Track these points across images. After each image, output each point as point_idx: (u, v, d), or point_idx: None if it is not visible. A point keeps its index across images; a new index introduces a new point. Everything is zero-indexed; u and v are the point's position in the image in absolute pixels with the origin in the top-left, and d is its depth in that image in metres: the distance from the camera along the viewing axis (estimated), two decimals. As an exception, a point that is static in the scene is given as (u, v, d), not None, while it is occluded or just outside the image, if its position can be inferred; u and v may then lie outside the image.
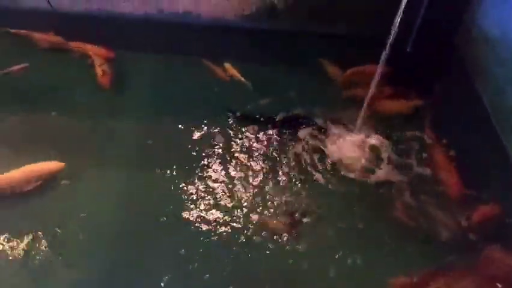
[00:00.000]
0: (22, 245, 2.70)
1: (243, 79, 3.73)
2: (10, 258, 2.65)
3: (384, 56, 2.94)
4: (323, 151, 3.25)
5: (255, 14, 4.27)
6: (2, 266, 2.63)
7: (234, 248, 2.75)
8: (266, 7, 4.23)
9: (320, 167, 3.16)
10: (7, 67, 3.68)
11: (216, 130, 3.40)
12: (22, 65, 3.71)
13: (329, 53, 3.93)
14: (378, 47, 3.14)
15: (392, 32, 2.86)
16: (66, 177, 3.03)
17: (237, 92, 3.71)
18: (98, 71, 3.67)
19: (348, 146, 3.24)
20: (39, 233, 2.76)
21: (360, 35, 3.99)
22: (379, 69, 3.02)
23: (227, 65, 3.86)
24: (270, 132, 3.40)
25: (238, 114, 3.49)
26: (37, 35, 3.91)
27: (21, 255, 2.67)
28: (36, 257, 2.66)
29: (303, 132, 3.37)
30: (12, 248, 2.69)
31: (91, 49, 3.85)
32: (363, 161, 3.20)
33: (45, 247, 2.71)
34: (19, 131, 3.36)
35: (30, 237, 2.74)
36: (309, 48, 4.07)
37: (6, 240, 2.73)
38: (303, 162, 3.19)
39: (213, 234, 2.81)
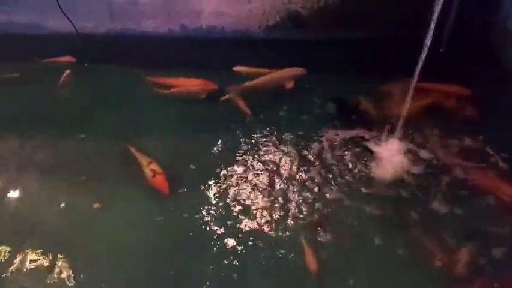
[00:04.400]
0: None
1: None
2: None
3: (422, 56, 2.80)
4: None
5: (279, 24, 4.19)
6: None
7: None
8: (291, 16, 4.15)
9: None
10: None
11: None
12: (66, 73, 3.80)
13: (360, 59, 3.81)
14: (407, 49, 3.01)
15: (429, 32, 2.71)
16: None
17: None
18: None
19: (391, 149, 3.14)
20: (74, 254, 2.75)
21: (386, 38, 3.89)
22: (417, 70, 2.87)
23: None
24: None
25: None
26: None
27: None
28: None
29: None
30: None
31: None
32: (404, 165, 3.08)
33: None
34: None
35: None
36: (342, 55, 3.96)
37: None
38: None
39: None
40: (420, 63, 2.84)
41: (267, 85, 3.70)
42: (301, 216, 2.86)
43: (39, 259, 2.70)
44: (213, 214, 2.90)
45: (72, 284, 2.59)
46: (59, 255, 2.72)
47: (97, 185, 3.10)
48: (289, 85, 3.63)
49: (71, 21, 4.05)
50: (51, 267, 2.66)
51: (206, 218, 2.87)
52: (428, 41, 2.76)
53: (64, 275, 2.63)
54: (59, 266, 2.67)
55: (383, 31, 3.95)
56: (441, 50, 3.91)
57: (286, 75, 3.70)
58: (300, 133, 3.38)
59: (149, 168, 3.06)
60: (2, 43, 4.14)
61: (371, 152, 3.19)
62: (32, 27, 4.22)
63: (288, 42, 4.18)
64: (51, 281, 2.60)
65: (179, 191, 3.03)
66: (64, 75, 3.78)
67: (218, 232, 2.80)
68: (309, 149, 3.26)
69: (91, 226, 2.89)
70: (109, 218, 2.92)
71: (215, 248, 2.72)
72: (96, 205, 2.98)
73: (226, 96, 3.61)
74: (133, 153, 3.21)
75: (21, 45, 4.15)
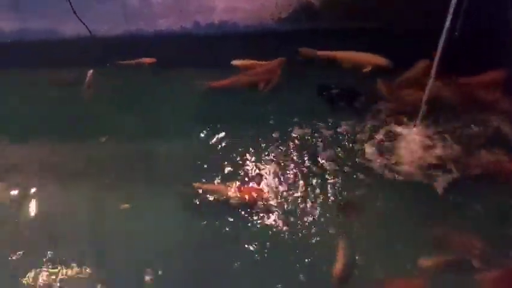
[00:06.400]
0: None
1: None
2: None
3: (441, 42, 2.78)
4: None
5: (292, 16, 4.18)
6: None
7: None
8: (303, 7, 4.13)
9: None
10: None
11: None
12: (89, 74, 3.83)
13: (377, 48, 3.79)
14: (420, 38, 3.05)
15: (448, 18, 2.69)
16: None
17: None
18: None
19: (412, 138, 3.15)
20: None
21: (400, 28, 3.84)
22: (437, 56, 2.86)
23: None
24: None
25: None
26: None
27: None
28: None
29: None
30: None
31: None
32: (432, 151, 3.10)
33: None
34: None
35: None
36: (355, 45, 3.91)
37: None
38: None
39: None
40: (440, 48, 2.81)
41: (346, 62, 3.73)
42: (332, 202, 2.92)
43: (71, 260, 2.76)
44: (243, 212, 2.93)
45: (103, 284, 2.65)
46: (90, 256, 2.79)
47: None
48: (367, 69, 3.65)
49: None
50: (82, 269, 2.73)
51: (236, 214, 2.91)
52: (447, 26, 2.73)
53: (94, 274, 2.70)
54: (90, 266, 2.73)
55: (395, 21, 3.91)
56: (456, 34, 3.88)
57: (371, 61, 3.70)
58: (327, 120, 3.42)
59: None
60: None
61: (400, 137, 3.20)
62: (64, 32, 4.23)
63: (301, 34, 4.16)
64: (83, 281, 2.67)
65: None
66: (88, 75, 3.81)
67: (246, 229, 2.84)
68: (338, 135, 3.30)
69: (121, 226, 2.94)
70: (138, 218, 2.97)
71: (246, 245, 2.76)
72: (124, 205, 3.03)
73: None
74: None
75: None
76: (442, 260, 2.56)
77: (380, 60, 3.66)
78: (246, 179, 3.10)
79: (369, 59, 3.69)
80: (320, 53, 3.79)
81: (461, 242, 2.64)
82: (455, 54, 3.30)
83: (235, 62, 3.86)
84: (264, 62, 3.84)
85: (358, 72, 3.67)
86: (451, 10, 2.68)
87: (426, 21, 3.09)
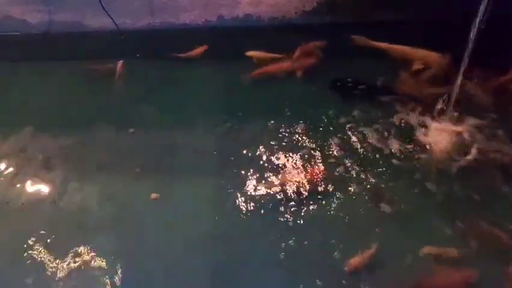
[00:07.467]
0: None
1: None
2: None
3: (473, 34, 2.78)
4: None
5: (316, 9, 4.19)
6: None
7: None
8: (327, 1, 4.14)
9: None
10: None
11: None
12: (119, 65, 3.88)
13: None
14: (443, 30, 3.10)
15: (481, 9, 2.69)
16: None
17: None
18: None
19: (439, 129, 3.17)
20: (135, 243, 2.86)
21: (424, 19, 3.85)
22: (468, 50, 2.86)
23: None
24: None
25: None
26: None
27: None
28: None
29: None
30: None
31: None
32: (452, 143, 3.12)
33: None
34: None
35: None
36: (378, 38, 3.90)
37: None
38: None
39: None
40: (471, 40, 2.81)
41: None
42: (362, 189, 2.96)
43: (103, 251, 2.80)
44: (272, 200, 2.97)
45: (132, 274, 2.70)
46: (121, 246, 2.82)
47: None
48: (418, 65, 3.60)
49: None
50: (113, 258, 2.76)
51: (264, 205, 2.95)
52: (478, 19, 2.73)
53: (125, 265, 2.73)
54: (120, 256, 2.77)
55: (420, 13, 3.92)
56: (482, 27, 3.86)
57: (425, 57, 3.64)
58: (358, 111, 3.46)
59: None
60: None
61: (428, 128, 3.23)
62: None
63: (325, 27, 4.18)
64: (113, 271, 2.70)
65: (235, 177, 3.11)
66: (118, 67, 3.85)
67: (275, 220, 2.87)
68: (367, 125, 3.34)
69: (151, 216, 2.98)
70: (168, 207, 3.01)
71: (274, 236, 2.79)
72: (154, 195, 3.06)
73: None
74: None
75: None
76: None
77: (434, 56, 3.59)
78: (279, 170, 3.13)
79: (423, 55, 3.61)
80: (373, 43, 3.73)
81: (493, 234, 2.65)
82: (481, 47, 3.34)
83: (249, 53, 3.88)
84: (278, 55, 3.84)
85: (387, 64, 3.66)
86: (484, 2, 2.67)
87: (450, 13, 3.05)
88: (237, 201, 2.97)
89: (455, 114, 3.21)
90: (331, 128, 3.36)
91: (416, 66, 3.57)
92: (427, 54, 3.58)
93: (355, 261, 2.60)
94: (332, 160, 3.15)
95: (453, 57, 3.36)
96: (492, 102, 3.31)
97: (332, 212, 2.88)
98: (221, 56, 3.98)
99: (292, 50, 3.86)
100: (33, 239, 2.86)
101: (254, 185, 3.05)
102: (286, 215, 2.88)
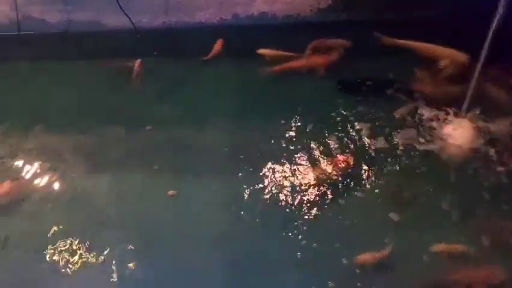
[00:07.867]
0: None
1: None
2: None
3: (491, 34, 2.77)
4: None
5: (331, 6, 4.19)
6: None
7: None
8: (342, -2, 4.15)
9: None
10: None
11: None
12: (137, 63, 3.89)
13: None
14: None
15: (500, 8, 2.67)
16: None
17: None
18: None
19: (456, 126, 3.18)
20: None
21: (437, 19, 3.87)
22: (485, 48, 2.85)
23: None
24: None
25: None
26: None
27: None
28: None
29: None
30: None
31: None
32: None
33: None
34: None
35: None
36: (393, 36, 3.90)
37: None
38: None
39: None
40: (489, 38, 2.80)
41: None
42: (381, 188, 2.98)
43: (120, 246, 2.84)
44: (289, 198, 2.99)
45: (151, 269, 2.73)
46: (138, 242, 2.86)
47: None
48: (445, 63, 3.59)
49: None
50: (131, 254, 2.80)
51: (282, 201, 2.97)
52: (497, 17, 2.72)
53: (143, 261, 2.77)
54: (139, 252, 2.81)
55: (433, 12, 3.92)
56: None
57: (451, 56, 3.62)
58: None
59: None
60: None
61: (447, 126, 3.24)
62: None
63: (340, 25, 4.17)
64: (132, 267, 2.74)
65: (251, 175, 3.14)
66: (136, 65, 3.89)
67: (295, 216, 2.89)
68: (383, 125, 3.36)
69: (169, 212, 3.02)
70: (185, 204, 3.05)
71: (292, 231, 2.82)
72: (171, 192, 3.11)
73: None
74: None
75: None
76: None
77: (460, 56, 3.56)
78: (297, 167, 3.17)
79: (449, 54, 3.59)
80: (400, 42, 3.71)
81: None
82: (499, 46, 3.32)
83: (261, 51, 3.89)
84: (289, 53, 3.85)
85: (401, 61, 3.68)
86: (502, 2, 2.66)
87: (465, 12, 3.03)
88: (253, 198, 3.00)
89: (475, 112, 3.22)
90: (348, 126, 3.38)
91: (443, 64, 3.55)
92: (454, 53, 3.56)
93: (365, 257, 2.62)
94: (349, 157, 3.17)
95: (471, 56, 3.35)
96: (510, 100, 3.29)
97: (348, 210, 2.90)
98: (236, 54, 3.99)
99: (308, 48, 3.88)
100: (50, 235, 2.91)
101: (270, 183, 3.07)
102: (302, 213, 2.90)
